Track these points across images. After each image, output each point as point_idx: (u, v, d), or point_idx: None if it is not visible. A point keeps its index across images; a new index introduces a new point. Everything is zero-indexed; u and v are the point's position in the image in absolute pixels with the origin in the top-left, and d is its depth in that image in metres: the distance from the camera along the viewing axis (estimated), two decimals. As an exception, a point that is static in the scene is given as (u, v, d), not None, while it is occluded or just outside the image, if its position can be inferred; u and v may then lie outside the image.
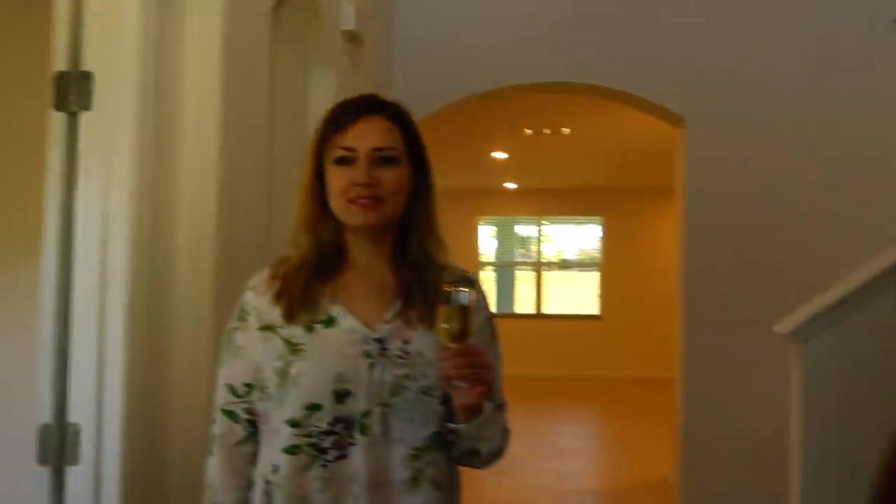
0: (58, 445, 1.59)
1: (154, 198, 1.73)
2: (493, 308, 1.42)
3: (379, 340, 1.25)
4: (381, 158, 1.27)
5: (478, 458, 1.30)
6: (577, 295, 11.87)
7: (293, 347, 1.26)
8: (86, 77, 1.66)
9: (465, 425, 1.22)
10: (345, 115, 1.30)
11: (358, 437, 1.22)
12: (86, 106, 1.66)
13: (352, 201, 1.26)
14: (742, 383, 3.86)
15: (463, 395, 1.19)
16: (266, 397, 1.28)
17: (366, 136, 1.27)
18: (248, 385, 1.30)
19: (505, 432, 1.32)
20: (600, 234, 10.63)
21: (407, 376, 1.24)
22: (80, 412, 1.59)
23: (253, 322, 1.31)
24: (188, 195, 1.81)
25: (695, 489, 3.95)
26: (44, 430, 1.60)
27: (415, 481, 1.23)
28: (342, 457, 1.22)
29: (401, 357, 1.25)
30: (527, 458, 5.67)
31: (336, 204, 1.28)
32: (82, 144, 1.66)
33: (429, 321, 1.23)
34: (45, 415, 1.61)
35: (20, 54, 2.49)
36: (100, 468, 1.57)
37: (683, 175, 4.08)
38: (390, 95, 1.38)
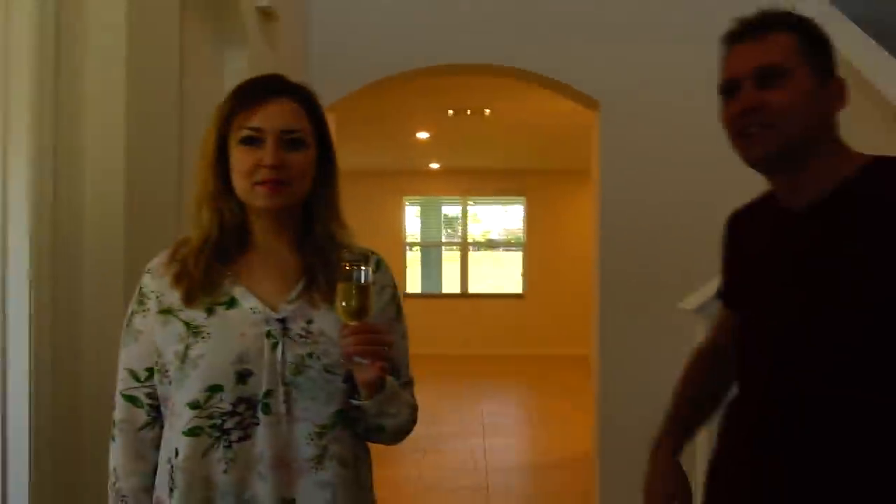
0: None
1: (57, 177, 1.68)
2: (398, 286, 1.43)
3: (281, 321, 1.26)
4: (290, 141, 1.27)
5: (383, 433, 1.32)
6: (504, 275, 12.05)
7: (194, 330, 1.25)
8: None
9: (368, 401, 1.24)
10: (252, 94, 1.29)
11: (261, 416, 1.23)
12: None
13: (258, 183, 1.25)
14: (653, 358, 4.02)
15: (364, 372, 1.21)
16: (167, 381, 1.27)
17: (274, 117, 1.26)
18: (149, 369, 1.30)
19: (412, 409, 1.34)
20: (523, 214, 10.80)
21: (310, 355, 1.25)
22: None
23: (152, 306, 1.30)
24: (93, 174, 1.76)
25: (611, 460, 4.10)
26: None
27: (320, 459, 1.25)
28: (246, 437, 1.23)
29: (303, 336, 1.26)
30: (451, 437, 5.76)
31: (241, 185, 1.27)
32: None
33: (332, 301, 1.24)
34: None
35: None
36: (6, 462, 1.53)
37: (598, 158, 4.18)
38: (307, 75, 1.38)
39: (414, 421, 1.35)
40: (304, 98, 1.31)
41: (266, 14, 3.03)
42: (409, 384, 1.38)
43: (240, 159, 1.27)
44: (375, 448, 1.37)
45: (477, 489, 4.84)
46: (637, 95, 4.06)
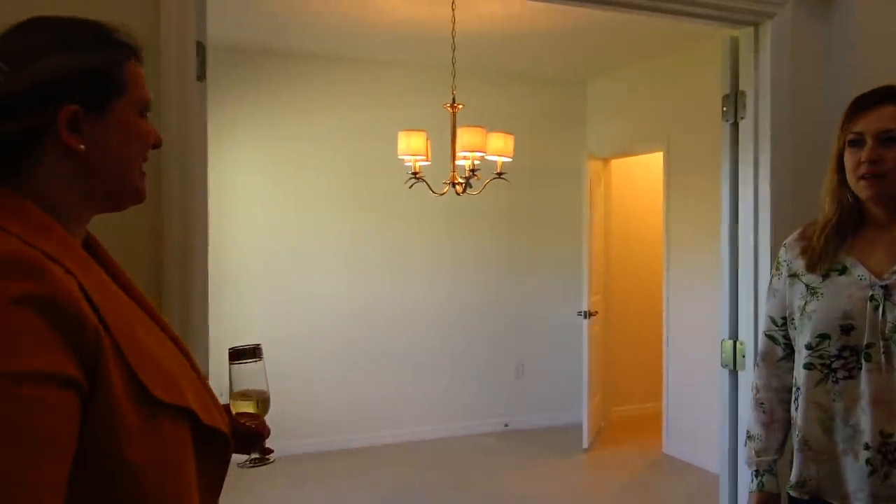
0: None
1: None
2: None
3: (884, 287, 1.52)
4: (887, 139, 1.52)
5: None
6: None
7: (811, 290, 1.63)
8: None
9: None
10: (860, 105, 1.58)
11: (863, 363, 1.51)
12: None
13: (860, 178, 1.55)
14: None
15: None
16: (793, 326, 1.69)
17: (872, 122, 1.53)
18: (783, 318, 1.73)
19: None
20: None
21: None
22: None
23: (784, 271, 1.73)
24: None
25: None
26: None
27: None
28: (850, 377, 1.53)
29: None
30: None
31: (850, 179, 1.58)
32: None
33: None
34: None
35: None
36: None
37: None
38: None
39: None
40: None
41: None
42: None
43: (847, 158, 1.58)
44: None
45: None
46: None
